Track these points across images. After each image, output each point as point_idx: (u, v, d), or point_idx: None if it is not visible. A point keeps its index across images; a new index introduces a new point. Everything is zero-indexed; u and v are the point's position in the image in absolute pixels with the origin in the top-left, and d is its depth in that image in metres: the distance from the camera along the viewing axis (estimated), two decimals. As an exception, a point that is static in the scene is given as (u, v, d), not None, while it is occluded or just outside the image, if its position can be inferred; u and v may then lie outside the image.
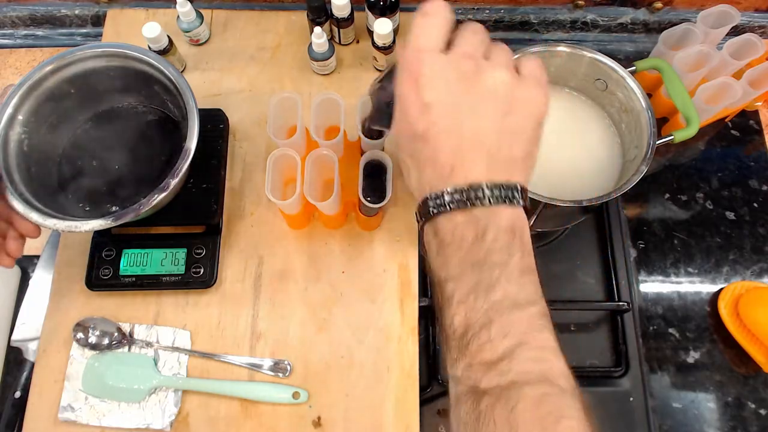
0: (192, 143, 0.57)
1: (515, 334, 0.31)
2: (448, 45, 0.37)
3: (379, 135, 0.54)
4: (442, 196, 0.34)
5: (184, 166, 0.56)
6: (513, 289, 0.33)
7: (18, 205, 0.54)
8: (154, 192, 0.55)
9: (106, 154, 0.66)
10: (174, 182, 0.56)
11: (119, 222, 0.55)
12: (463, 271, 0.33)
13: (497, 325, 0.32)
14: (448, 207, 0.34)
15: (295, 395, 0.60)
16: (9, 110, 0.58)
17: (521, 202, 0.35)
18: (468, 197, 0.34)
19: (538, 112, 0.36)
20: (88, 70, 0.62)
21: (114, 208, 0.61)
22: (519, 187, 0.35)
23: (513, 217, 0.34)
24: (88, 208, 0.63)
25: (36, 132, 0.61)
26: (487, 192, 0.34)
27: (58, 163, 0.64)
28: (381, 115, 0.43)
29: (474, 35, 0.37)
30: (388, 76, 0.41)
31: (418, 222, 0.37)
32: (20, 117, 0.59)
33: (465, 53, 0.36)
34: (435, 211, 0.35)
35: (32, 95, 0.60)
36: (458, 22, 0.40)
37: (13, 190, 0.55)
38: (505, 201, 0.34)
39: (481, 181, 0.34)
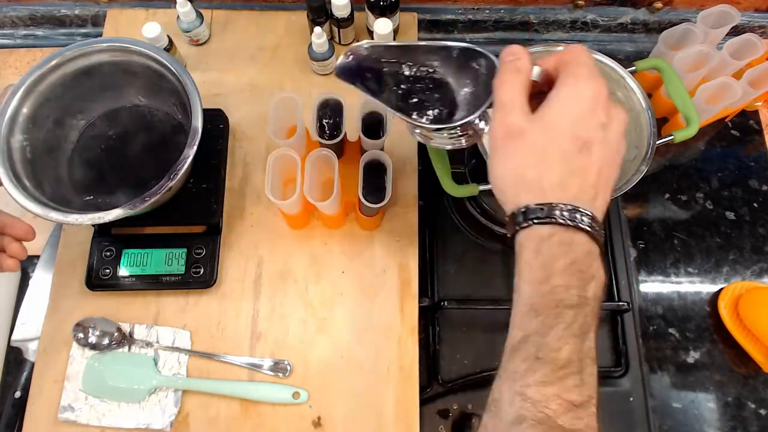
0: (198, 122, 0.57)
1: (590, 388, 0.34)
2: None
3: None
4: (590, 215, 0.35)
5: (195, 145, 0.56)
6: (595, 341, 0.35)
7: (35, 207, 0.54)
8: (171, 170, 0.55)
9: (113, 154, 0.66)
10: (188, 160, 0.56)
11: (138, 209, 0.54)
12: (581, 305, 0.34)
13: (587, 372, 0.33)
14: (592, 229, 0.35)
15: (295, 395, 0.60)
16: (11, 109, 0.58)
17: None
18: (600, 227, 0.36)
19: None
20: (92, 66, 0.62)
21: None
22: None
23: (605, 276, 0.37)
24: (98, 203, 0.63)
25: (37, 134, 0.61)
26: (603, 234, 0.36)
27: (66, 162, 0.65)
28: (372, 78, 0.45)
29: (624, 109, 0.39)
30: (380, 48, 0.44)
31: (547, 220, 0.36)
32: (20, 119, 0.59)
33: (624, 116, 0.39)
34: (577, 221, 0.35)
35: (34, 92, 0.60)
36: None
37: (25, 193, 0.55)
38: (601, 241, 0.37)
39: (599, 217, 0.36)
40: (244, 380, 0.62)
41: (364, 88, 0.45)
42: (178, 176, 0.55)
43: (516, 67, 0.38)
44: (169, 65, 0.60)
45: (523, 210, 0.36)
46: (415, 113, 0.43)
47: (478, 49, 0.43)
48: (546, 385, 0.33)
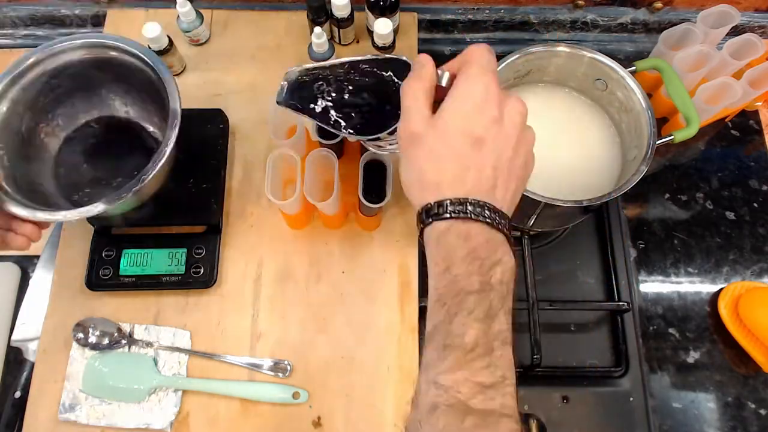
0: (176, 104, 0.56)
1: (503, 367, 0.34)
2: None
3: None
4: (488, 206, 0.36)
5: (176, 127, 0.56)
6: (506, 324, 0.35)
7: (20, 211, 0.54)
8: (155, 155, 0.55)
9: (96, 157, 0.66)
10: (171, 143, 0.55)
11: (125, 199, 0.53)
12: (484, 290, 0.35)
13: (497, 354, 0.34)
14: (485, 219, 0.36)
15: (295, 395, 0.60)
16: None
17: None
18: (501, 216, 0.37)
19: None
20: (61, 66, 0.61)
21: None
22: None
23: (514, 260, 0.38)
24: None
25: (12, 141, 0.60)
26: (508, 224, 0.38)
27: (49, 168, 0.65)
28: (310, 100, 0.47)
29: (522, 101, 0.40)
30: (328, 68, 0.46)
31: (432, 217, 0.37)
32: None
33: (520, 109, 0.39)
34: (474, 215, 0.36)
35: (5, 98, 0.59)
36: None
37: (9, 198, 0.55)
38: (510, 234, 0.38)
39: (506, 209, 0.38)
40: (244, 380, 0.62)
41: (303, 110, 0.47)
42: (163, 159, 0.54)
43: (419, 74, 0.40)
44: (138, 53, 0.59)
45: (425, 209, 0.38)
46: (345, 126, 0.45)
47: (402, 58, 0.45)
48: (455, 371, 0.33)
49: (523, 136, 0.39)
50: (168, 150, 0.55)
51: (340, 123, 0.45)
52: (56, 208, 0.57)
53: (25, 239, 0.55)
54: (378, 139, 0.45)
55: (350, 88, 0.46)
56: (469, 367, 0.33)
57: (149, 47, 0.69)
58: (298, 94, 0.48)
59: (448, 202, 0.36)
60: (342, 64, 0.46)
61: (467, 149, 0.37)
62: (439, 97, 0.40)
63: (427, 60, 0.41)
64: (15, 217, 0.54)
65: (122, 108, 0.68)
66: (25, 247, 0.55)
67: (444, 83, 0.40)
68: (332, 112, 0.46)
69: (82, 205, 0.54)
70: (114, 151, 0.67)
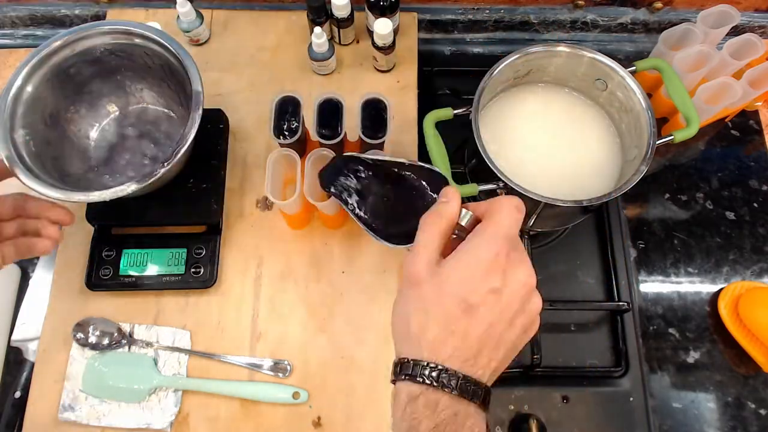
0: (198, 85, 0.58)
1: None
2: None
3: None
4: (459, 376, 0.34)
5: (200, 108, 0.58)
6: None
7: (54, 193, 0.55)
8: (181, 137, 0.57)
9: (122, 144, 0.69)
10: (196, 123, 0.57)
11: (159, 175, 0.55)
12: None
13: None
14: (460, 391, 0.34)
15: (295, 395, 0.60)
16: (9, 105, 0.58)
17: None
18: (476, 386, 0.35)
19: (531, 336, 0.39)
20: (90, 50, 0.63)
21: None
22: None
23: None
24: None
25: (38, 127, 0.61)
26: (487, 397, 0.36)
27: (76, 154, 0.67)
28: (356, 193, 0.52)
29: (531, 269, 0.38)
30: (383, 163, 0.51)
31: (407, 376, 0.35)
32: (19, 113, 0.59)
33: (526, 279, 0.37)
34: (449, 386, 0.34)
35: (35, 75, 0.60)
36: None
37: (40, 182, 0.55)
38: (486, 409, 0.36)
39: (483, 381, 0.36)
40: (244, 380, 0.62)
41: (340, 198, 0.52)
42: (190, 138, 0.56)
43: (441, 211, 0.39)
44: (160, 40, 0.60)
45: (400, 362, 0.36)
46: (374, 227, 0.50)
47: (437, 170, 0.49)
48: None
49: (525, 307, 0.37)
50: (194, 127, 0.56)
51: (368, 222, 0.50)
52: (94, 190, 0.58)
53: (51, 242, 0.54)
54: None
55: (388, 187, 0.50)
56: None
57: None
58: (340, 182, 0.52)
59: (423, 365, 0.35)
60: (383, 163, 0.50)
61: (458, 313, 0.35)
62: (458, 233, 0.39)
63: (453, 195, 0.40)
64: (39, 215, 0.54)
65: (144, 94, 0.69)
66: (50, 251, 0.55)
67: (465, 223, 0.39)
68: (364, 209, 0.50)
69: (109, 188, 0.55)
70: (138, 136, 0.69)
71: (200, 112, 0.57)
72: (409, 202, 0.48)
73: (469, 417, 0.34)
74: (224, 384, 0.61)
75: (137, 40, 0.62)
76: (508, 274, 0.36)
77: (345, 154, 0.53)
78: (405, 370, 0.36)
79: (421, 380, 0.35)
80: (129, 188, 0.54)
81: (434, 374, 0.34)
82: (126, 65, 0.66)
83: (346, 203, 0.51)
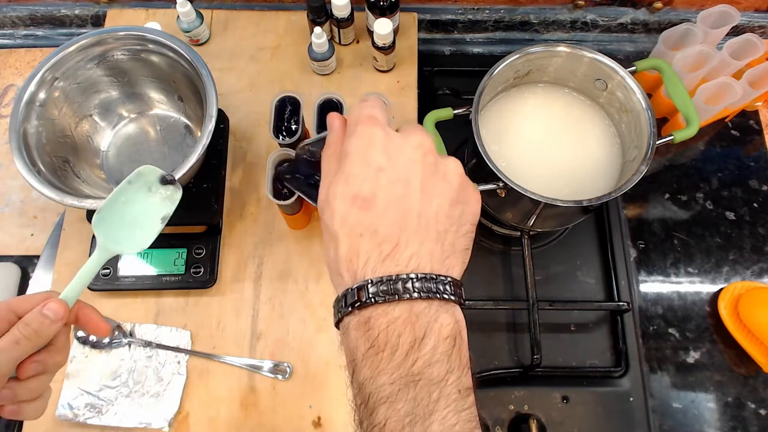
0: (210, 88, 0.59)
1: None
2: None
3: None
4: (381, 282, 0.29)
5: (214, 103, 0.58)
6: (451, 419, 0.28)
7: (49, 192, 0.55)
8: (203, 132, 0.57)
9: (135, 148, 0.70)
10: (213, 118, 0.58)
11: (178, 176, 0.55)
12: (397, 389, 0.28)
13: None
14: (385, 296, 0.29)
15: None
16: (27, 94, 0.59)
17: (463, 301, 0.31)
18: (413, 287, 0.29)
19: (477, 211, 0.34)
20: (102, 56, 0.63)
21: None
22: (461, 284, 0.31)
23: (454, 321, 0.30)
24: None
25: (53, 122, 0.62)
26: (435, 285, 0.29)
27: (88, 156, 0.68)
28: (305, 178, 0.45)
29: (422, 132, 0.34)
30: (318, 142, 0.42)
31: (339, 312, 0.31)
32: (36, 105, 0.60)
33: (419, 130, 0.34)
34: (370, 299, 0.29)
35: (49, 80, 0.61)
36: None
37: (43, 178, 0.56)
38: (449, 298, 0.30)
39: (426, 269, 0.30)
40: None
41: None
42: (186, 168, 0.56)
43: (328, 140, 0.37)
44: (175, 47, 0.61)
45: (334, 304, 0.32)
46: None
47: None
48: None
49: (435, 170, 0.32)
50: (212, 122, 0.57)
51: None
52: (87, 197, 0.58)
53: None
54: None
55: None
56: None
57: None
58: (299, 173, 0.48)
59: (347, 290, 0.30)
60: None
61: (354, 212, 0.31)
62: None
63: (333, 120, 0.36)
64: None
65: (157, 100, 0.70)
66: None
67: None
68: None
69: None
70: (149, 144, 0.70)
71: (207, 140, 0.57)
72: None
73: (416, 318, 0.29)
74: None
75: (151, 46, 0.63)
76: (391, 147, 0.32)
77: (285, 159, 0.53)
78: (336, 307, 0.31)
79: (349, 309, 0.30)
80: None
81: (356, 295, 0.29)
82: (142, 71, 0.66)
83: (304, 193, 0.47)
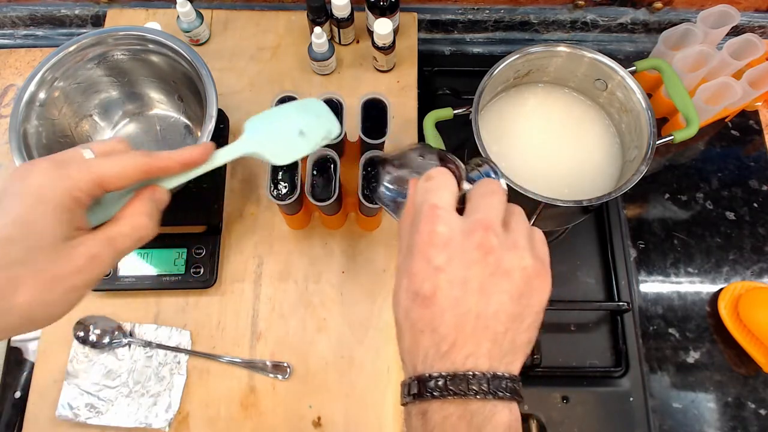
0: (211, 87, 0.59)
1: None
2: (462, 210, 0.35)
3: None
4: (438, 378, 0.30)
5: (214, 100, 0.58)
6: None
7: None
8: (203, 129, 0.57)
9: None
10: (214, 114, 0.57)
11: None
12: None
13: None
14: (441, 392, 0.30)
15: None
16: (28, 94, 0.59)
17: (521, 397, 0.31)
18: (469, 387, 0.30)
19: (545, 299, 0.34)
20: (103, 56, 0.63)
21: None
22: (519, 380, 0.31)
23: (509, 419, 0.30)
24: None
25: (52, 121, 0.62)
26: (491, 384, 0.30)
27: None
28: (386, 200, 0.45)
29: (492, 196, 0.34)
30: (396, 162, 0.44)
31: (403, 397, 0.32)
32: (36, 105, 0.60)
33: (483, 221, 0.33)
34: (428, 392, 0.30)
35: (49, 79, 0.60)
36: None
37: None
38: (505, 396, 0.30)
39: (483, 368, 0.30)
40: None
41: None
42: (210, 126, 0.56)
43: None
44: (175, 47, 0.61)
45: (403, 384, 0.33)
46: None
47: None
48: None
49: (498, 268, 0.32)
50: (206, 138, 0.57)
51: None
52: None
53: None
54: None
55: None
56: None
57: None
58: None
59: (409, 379, 0.32)
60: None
61: (415, 309, 0.32)
62: None
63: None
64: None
65: (157, 100, 0.70)
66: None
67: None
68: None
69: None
70: (149, 144, 0.69)
71: (207, 140, 0.57)
72: None
73: (474, 413, 0.30)
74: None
75: (151, 46, 0.63)
76: (451, 246, 0.32)
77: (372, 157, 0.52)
78: (403, 393, 0.32)
79: (406, 401, 0.32)
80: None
81: (415, 390, 0.31)
82: (143, 71, 0.66)
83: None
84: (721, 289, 0.70)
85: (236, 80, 0.75)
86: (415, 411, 0.31)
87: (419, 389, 0.31)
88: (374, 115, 0.61)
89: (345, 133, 0.61)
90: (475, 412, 0.30)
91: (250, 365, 0.62)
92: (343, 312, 0.64)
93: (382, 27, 0.69)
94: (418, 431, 0.31)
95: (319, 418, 0.61)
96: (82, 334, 0.62)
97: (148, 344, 0.63)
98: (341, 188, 0.59)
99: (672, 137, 0.61)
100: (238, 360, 0.62)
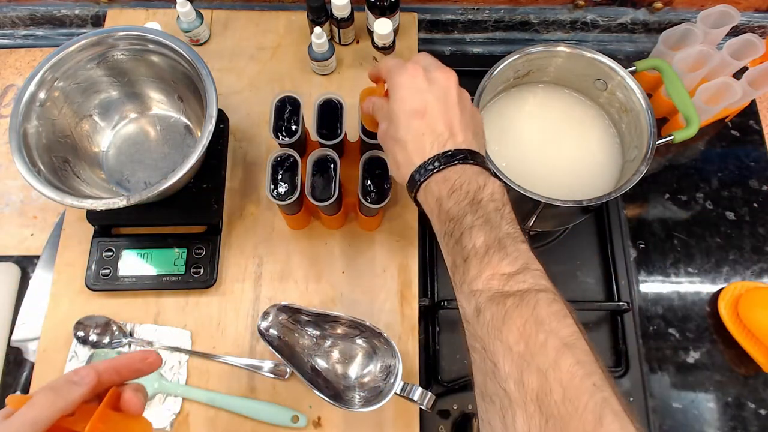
0: (210, 87, 0.59)
1: (523, 258, 0.39)
2: None
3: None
4: (450, 153, 0.43)
5: (214, 103, 0.59)
6: (512, 228, 0.40)
7: (49, 192, 0.55)
8: (203, 130, 0.57)
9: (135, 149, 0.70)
10: (213, 118, 0.58)
11: (175, 179, 0.56)
12: (474, 209, 0.41)
13: (511, 248, 0.39)
14: (456, 160, 0.42)
15: (294, 419, 0.60)
16: (27, 94, 0.59)
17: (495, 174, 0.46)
18: (471, 155, 0.43)
19: (452, 85, 0.47)
20: (103, 56, 0.63)
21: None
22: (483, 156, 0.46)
23: (498, 182, 0.43)
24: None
25: (52, 121, 0.62)
26: (482, 156, 0.45)
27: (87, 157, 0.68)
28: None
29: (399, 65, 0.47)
30: None
31: (421, 178, 0.43)
32: (37, 105, 0.60)
33: (415, 68, 0.46)
34: (442, 163, 0.42)
35: (50, 79, 0.61)
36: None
37: (39, 178, 0.56)
38: (488, 168, 0.44)
39: (473, 147, 0.44)
40: (246, 397, 0.62)
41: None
42: (184, 169, 0.56)
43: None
44: (176, 47, 0.61)
45: (408, 182, 0.45)
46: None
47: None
48: (480, 274, 0.39)
49: (455, 92, 0.46)
50: (206, 138, 0.57)
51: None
52: (87, 197, 0.58)
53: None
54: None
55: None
56: (489, 266, 0.38)
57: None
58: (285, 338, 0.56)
59: (420, 167, 0.43)
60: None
61: (416, 120, 0.44)
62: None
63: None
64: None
65: (157, 100, 0.70)
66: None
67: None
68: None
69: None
70: (149, 144, 0.70)
71: (207, 140, 0.57)
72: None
73: (476, 174, 0.42)
74: (225, 398, 0.61)
75: (151, 46, 0.63)
76: (428, 79, 0.45)
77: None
78: (413, 181, 0.44)
79: (423, 178, 0.43)
80: (120, 202, 0.55)
81: (430, 166, 0.43)
82: (143, 72, 0.66)
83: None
84: (721, 289, 0.70)
85: (236, 80, 0.75)
86: (436, 179, 0.43)
87: (434, 162, 0.43)
88: (374, 115, 0.61)
89: (345, 133, 0.61)
90: (479, 172, 0.43)
91: (250, 365, 0.62)
92: (343, 312, 0.64)
93: (382, 27, 0.69)
94: (442, 189, 0.42)
95: (319, 418, 0.61)
96: (82, 334, 0.62)
97: (148, 344, 0.63)
98: (341, 188, 0.59)
99: (672, 137, 0.61)
100: (238, 360, 0.62)
